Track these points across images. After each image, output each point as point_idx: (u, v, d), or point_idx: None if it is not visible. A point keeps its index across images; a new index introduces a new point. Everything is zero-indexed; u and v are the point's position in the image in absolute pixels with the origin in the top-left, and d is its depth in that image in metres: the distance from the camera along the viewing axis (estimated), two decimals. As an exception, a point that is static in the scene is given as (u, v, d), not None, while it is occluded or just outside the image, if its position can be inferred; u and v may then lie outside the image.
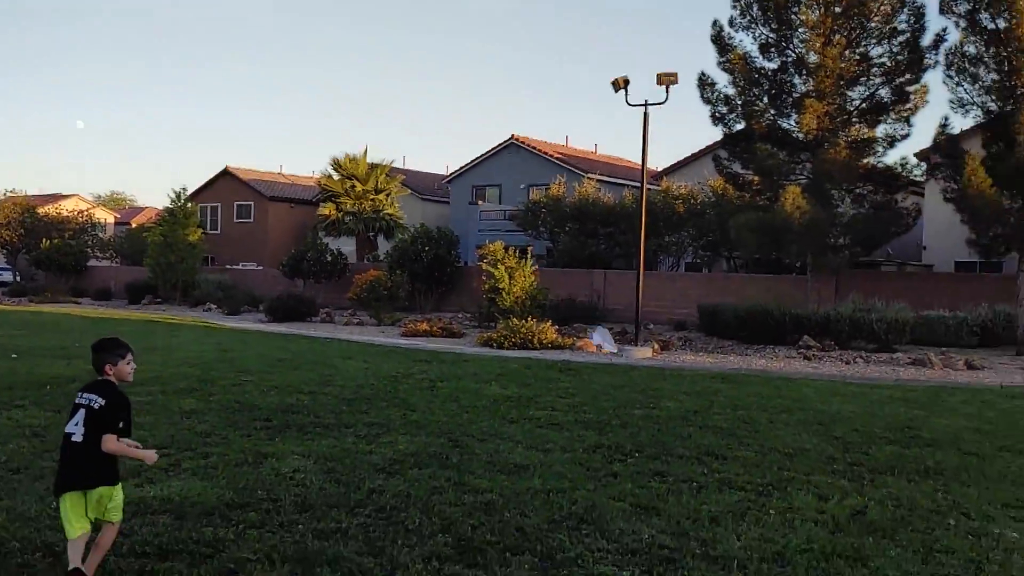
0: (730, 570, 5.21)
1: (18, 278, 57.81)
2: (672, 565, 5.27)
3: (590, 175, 40.96)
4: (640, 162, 22.23)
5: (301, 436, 8.96)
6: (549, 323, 22.72)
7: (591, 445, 8.92)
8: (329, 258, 37.65)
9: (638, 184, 22.70)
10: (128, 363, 4.95)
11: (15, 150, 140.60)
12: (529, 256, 26.36)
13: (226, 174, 56.73)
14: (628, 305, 26.77)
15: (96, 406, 4.72)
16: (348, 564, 5.12)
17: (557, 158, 44.33)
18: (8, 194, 64.37)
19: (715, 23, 25.42)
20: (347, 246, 43.77)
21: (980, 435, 10.21)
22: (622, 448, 8.78)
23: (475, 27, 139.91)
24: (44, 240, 52.72)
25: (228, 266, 48.68)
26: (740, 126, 26.07)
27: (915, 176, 27.82)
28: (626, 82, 21.34)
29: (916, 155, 28.25)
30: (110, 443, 4.70)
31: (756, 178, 26.04)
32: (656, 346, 21.41)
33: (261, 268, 46.98)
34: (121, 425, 4.79)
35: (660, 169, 42.96)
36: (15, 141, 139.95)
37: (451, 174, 49.54)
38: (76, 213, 60.70)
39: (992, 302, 23.99)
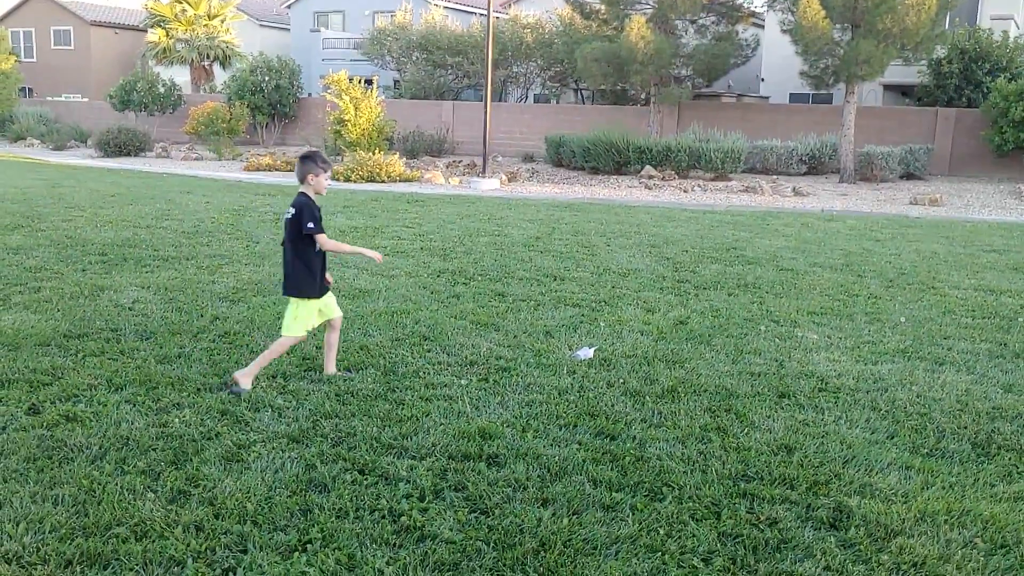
0: (559, 375, 5.62)
1: None
2: (507, 373, 5.63)
3: (437, 2, 39.67)
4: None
5: (140, 269, 8.78)
6: (397, 156, 22.54)
7: (435, 271, 9.15)
8: (162, 89, 35.40)
9: (486, 12, 22.22)
10: (326, 178, 5.25)
11: None
12: (375, 86, 25.68)
13: (38, -6, 51.60)
14: (476, 137, 26.69)
15: (289, 216, 5.15)
16: (192, 384, 5.22)
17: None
18: None
19: None
20: (181, 76, 41.22)
21: (797, 253, 11.06)
22: (465, 272, 9.06)
23: None
24: None
25: (49, 98, 45.13)
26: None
27: (756, 8, 28.44)
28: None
29: (758, -13, 28.81)
30: (324, 242, 5.22)
31: (603, 7, 25.96)
32: (504, 178, 21.67)
33: (87, 100, 43.80)
34: (311, 226, 5.13)
35: (509, -3, 42.03)
36: None
37: (290, -1, 46.92)
38: None
39: (821, 132, 25.36)
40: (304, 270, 5.24)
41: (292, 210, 5.15)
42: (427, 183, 20.99)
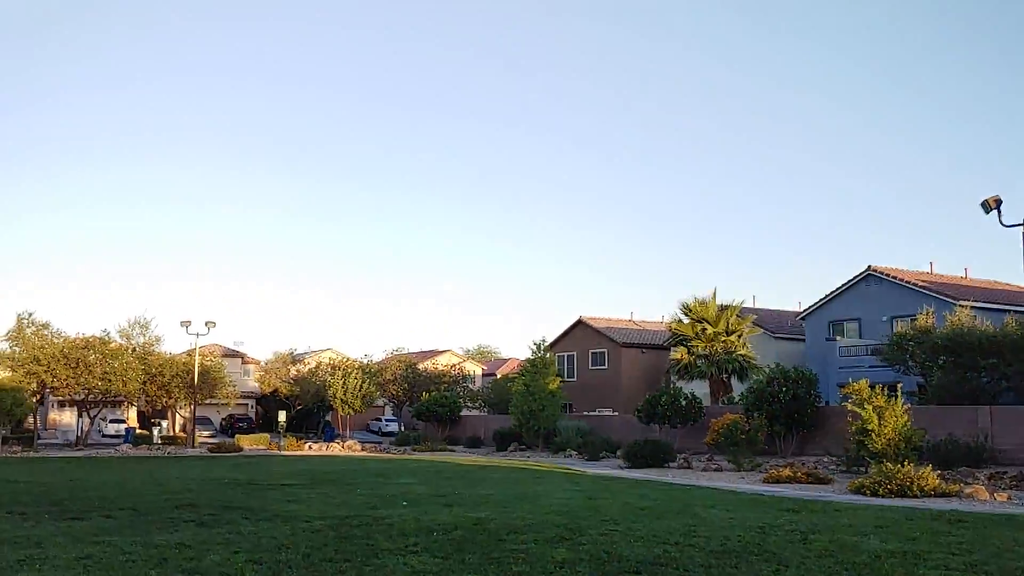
0: None
1: (402, 428, 63.71)
2: None
3: (962, 302, 37.60)
4: (1023, 285, 20.12)
5: (672, 590, 8.84)
6: (929, 467, 20.75)
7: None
8: (683, 402, 37.54)
9: (1022, 308, 20.48)
10: None
11: (397, 313, 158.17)
12: (899, 394, 24.48)
13: (580, 324, 59.65)
14: (1022, 445, 23.73)
15: None
16: None
17: (921, 286, 41.36)
18: (394, 352, 72.10)
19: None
20: (700, 389, 43.49)
21: None
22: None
23: (815, 159, 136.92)
24: (424, 393, 58.07)
25: (585, 412, 50.27)
26: None
27: None
28: (998, 202, 19.82)
29: None
30: None
31: None
32: (1065, 493, 18.66)
33: (616, 414, 47.96)
34: None
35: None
36: (398, 304, 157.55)
37: (804, 310, 47.94)
38: (450, 367, 66.75)
39: None
40: None
41: None
42: (968, 499, 18.83)
